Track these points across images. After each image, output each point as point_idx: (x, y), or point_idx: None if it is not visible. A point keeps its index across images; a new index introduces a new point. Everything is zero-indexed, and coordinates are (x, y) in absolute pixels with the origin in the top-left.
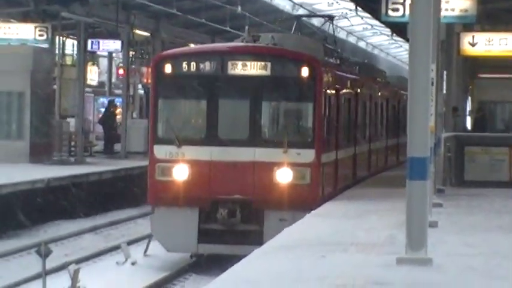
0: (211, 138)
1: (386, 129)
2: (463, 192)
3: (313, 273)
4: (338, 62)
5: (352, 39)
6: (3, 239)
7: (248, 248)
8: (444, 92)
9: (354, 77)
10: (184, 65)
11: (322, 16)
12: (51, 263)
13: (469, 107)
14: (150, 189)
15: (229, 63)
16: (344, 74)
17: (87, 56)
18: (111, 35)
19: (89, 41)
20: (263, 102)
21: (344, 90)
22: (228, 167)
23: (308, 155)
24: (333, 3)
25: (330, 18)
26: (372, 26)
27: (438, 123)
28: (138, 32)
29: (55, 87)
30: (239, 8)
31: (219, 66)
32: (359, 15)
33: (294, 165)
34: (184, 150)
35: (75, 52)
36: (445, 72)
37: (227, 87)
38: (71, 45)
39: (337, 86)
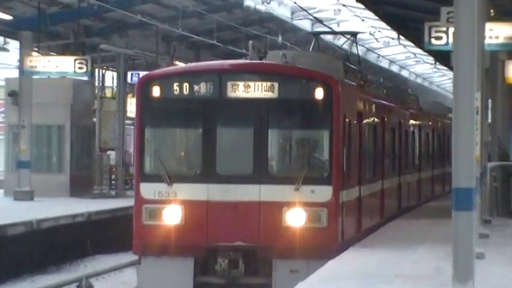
0: (208, 174)
1: (419, 159)
2: (511, 223)
3: None
4: (361, 83)
5: (395, 68)
6: (44, 274)
7: None
8: (489, 120)
9: (380, 101)
10: (176, 86)
11: (344, 33)
12: None
13: None
14: (135, 235)
15: (229, 84)
16: (368, 97)
17: (127, 88)
18: (151, 67)
19: (129, 73)
20: (270, 130)
21: (368, 116)
22: (229, 208)
23: (324, 193)
24: (375, 31)
25: (353, 35)
26: (414, 54)
27: (483, 153)
28: (178, 63)
29: (95, 119)
30: (279, 38)
31: (217, 88)
32: (401, 44)
33: (307, 205)
34: (176, 189)
35: (115, 84)
36: (490, 101)
37: (227, 113)
38: (110, 78)
39: (359, 110)
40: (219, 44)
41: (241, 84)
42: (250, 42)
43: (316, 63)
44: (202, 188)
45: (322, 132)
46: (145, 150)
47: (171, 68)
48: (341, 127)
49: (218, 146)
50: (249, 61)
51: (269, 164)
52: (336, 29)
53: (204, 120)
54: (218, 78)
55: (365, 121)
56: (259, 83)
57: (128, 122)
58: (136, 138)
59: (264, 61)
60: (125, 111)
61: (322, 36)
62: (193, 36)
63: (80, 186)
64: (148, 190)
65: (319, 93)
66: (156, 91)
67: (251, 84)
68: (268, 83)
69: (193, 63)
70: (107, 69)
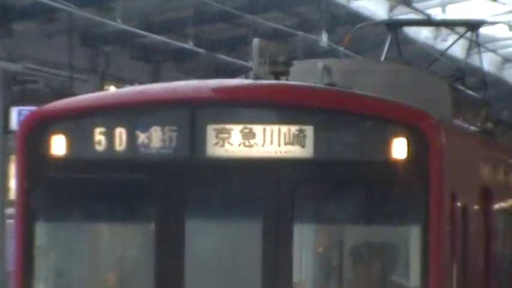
0: None
1: None
2: None
3: None
4: (489, 127)
5: None
6: None
7: None
8: None
9: None
10: (99, 136)
11: (454, 24)
12: None
13: None
14: None
15: (211, 130)
16: (505, 157)
17: (9, 142)
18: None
19: (14, 110)
20: (297, 228)
21: (506, 196)
22: None
23: None
24: None
25: (472, 27)
26: None
27: None
28: (112, 88)
29: None
30: (324, 37)
31: (186, 138)
32: None
33: None
34: None
35: None
36: None
37: (206, 192)
38: None
39: (486, 185)
40: (198, 49)
41: (236, 129)
42: (255, 41)
43: (395, 86)
44: None
45: (408, 231)
46: (35, 270)
47: (89, 97)
48: (447, 220)
49: (188, 265)
50: (253, 82)
51: None
52: (436, 16)
53: (160, 206)
54: (189, 117)
55: (498, 206)
56: (274, 128)
57: (10, 211)
58: (17, 246)
59: (284, 82)
60: (4, 189)
61: (406, 29)
62: (146, 34)
63: None
64: None
65: (399, 150)
66: (58, 146)
67: (256, 129)
68: (293, 128)
69: (139, 86)
70: None
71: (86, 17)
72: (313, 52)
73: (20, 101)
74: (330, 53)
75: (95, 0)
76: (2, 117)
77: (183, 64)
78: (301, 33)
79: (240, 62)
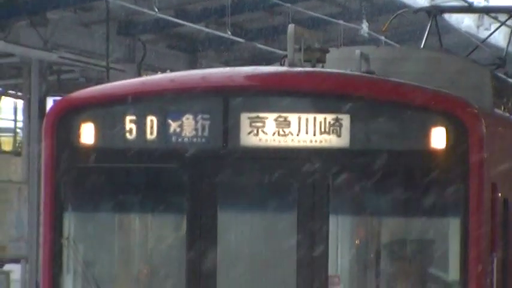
0: None
1: None
2: None
3: None
4: None
5: None
6: None
7: None
8: None
9: None
10: (129, 124)
11: (498, 10)
12: None
13: None
14: None
15: (245, 119)
16: None
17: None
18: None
19: (50, 100)
20: (334, 219)
21: None
22: None
23: None
24: None
25: None
26: None
27: None
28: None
29: None
30: (364, 26)
31: (219, 127)
32: None
33: None
34: None
35: (18, 125)
36: None
37: (239, 181)
38: (8, 111)
39: None
40: (237, 38)
41: (270, 118)
42: (290, 27)
43: (434, 74)
44: None
45: (447, 223)
46: (64, 261)
47: (119, 85)
48: (487, 211)
49: (221, 256)
50: (288, 69)
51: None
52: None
53: (192, 196)
54: (222, 105)
55: None
56: (310, 117)
57: None
58: (44, 237)
59: (320, 69)
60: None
61: (447, 17)
62: (183, 23)
63: None
64: None
65: (438, 139)
66: (87, 134)
67: (292, 118)
68: (329, 117)
69: (170, 74)
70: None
71: (123, 6)
72: (353, 41)
73: (56, 91)
74: (370, 42)
75: None
76: (37, 108)
77: (222, 53)
78: (341, 22)
79: (279, 51)
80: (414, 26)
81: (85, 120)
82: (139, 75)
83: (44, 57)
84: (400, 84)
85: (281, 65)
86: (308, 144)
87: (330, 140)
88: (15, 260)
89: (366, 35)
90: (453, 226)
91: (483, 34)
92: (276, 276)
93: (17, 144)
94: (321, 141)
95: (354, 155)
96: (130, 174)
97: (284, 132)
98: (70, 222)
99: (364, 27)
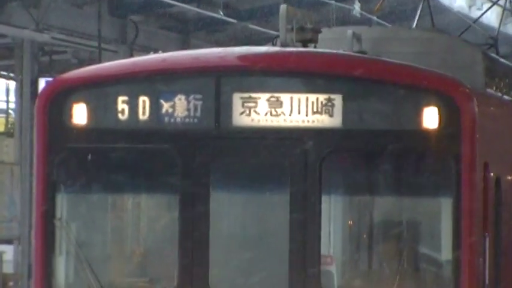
0: None
1: None
2: None
3: None
4: None
5: None
6: None
7: None
8: None
9: None
10: (122, 104)
11: None
12: None
13: None
14: None
15: (237, 99)
16: None
17: None
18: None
19: (42, 81)
20: (326, 199)
21: None
22: None
23: None
24: None
25: None
26: None
27: None
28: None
29: None
30: (356, 5)
31: (211, 107)
32: None
33: None
34: None
35: (11, 106)
36: None
37: (232, 162)
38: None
39: None
40: (229, 19)
41: (262, 98)
42: (282, 7)
43: (426, 54)
44: None
45: (439, 202)
46: (57, 242)
47: (111, 65)
48: (479, 191)
49: (213, 236)
50: (280, 49)
51: (324, 272)
52: None
53: (184, 176)
54: (214, 86)
55: None
56: (302, 97)
57: None
58: (37, 218)
59: (312, 49)
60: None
61: None
62: (175, 3)
63: None
64: None
65: (430, 118)
66: (79, 115)
67: (284, 98)
68: (322, 97)
69: (162, 54)
70: None
71: None
72: (346, 22)
73: (48, 71)
74: (363, 22)
75: None
76: (29, 88)
77: (214, 34)
78: (333, 2)
79: (272, 32)
80: (406, 6)
81: (77, 101)
82: (131, 55)
83: (36, 38)
84: (392, 64)
85: (273, 45)
86: (300, 124)
87: (322, 120)
88: (8, 241)
89: (358, 15)
90: (445, 205)
91: (475, 14)
92: (268, 255)
93: (9, 125)
94: (313, 121)
95: (346, 135)
96: (122, 155)
97: (276, 112)
98: (62, 203)
99: (356, 7)
